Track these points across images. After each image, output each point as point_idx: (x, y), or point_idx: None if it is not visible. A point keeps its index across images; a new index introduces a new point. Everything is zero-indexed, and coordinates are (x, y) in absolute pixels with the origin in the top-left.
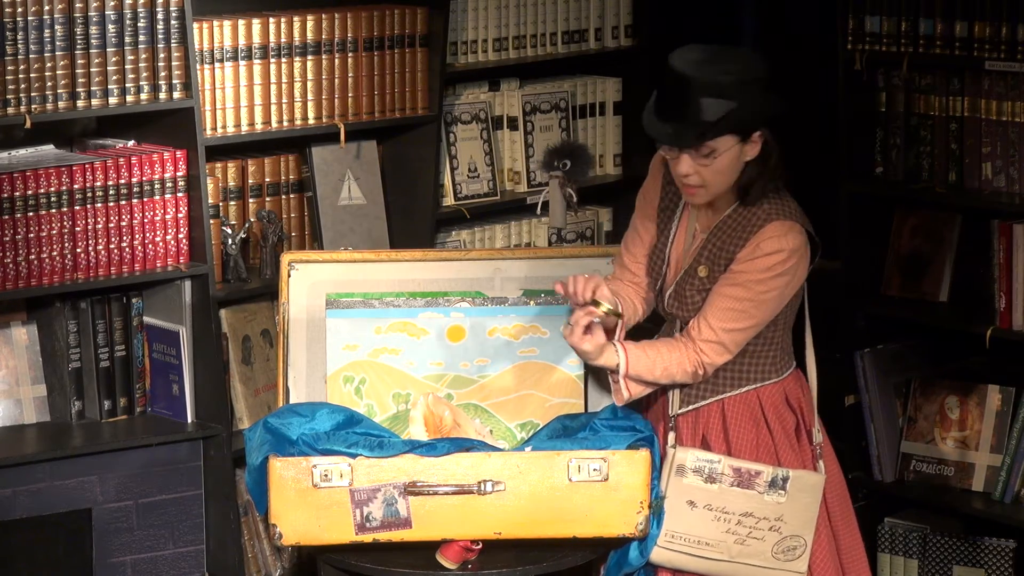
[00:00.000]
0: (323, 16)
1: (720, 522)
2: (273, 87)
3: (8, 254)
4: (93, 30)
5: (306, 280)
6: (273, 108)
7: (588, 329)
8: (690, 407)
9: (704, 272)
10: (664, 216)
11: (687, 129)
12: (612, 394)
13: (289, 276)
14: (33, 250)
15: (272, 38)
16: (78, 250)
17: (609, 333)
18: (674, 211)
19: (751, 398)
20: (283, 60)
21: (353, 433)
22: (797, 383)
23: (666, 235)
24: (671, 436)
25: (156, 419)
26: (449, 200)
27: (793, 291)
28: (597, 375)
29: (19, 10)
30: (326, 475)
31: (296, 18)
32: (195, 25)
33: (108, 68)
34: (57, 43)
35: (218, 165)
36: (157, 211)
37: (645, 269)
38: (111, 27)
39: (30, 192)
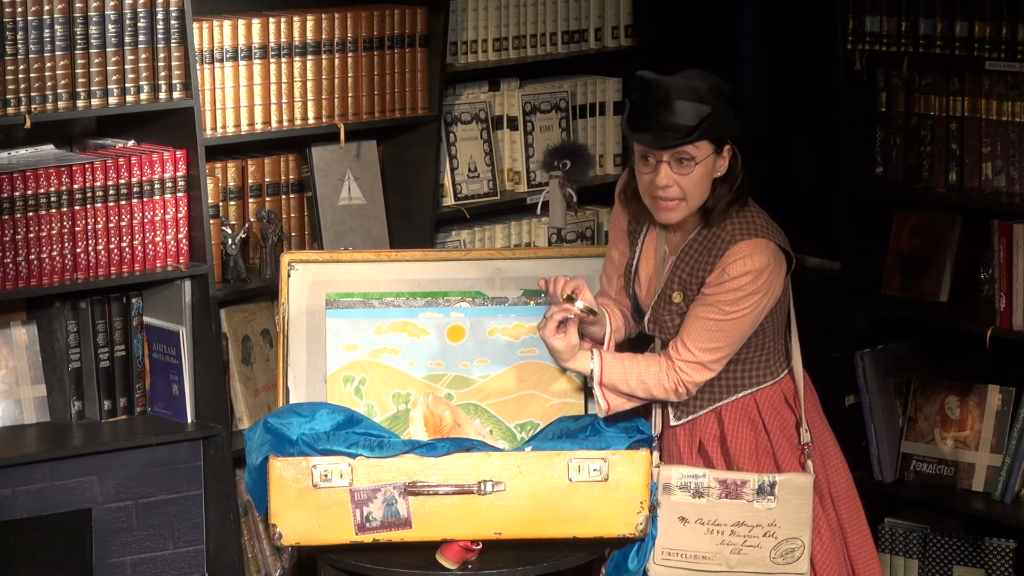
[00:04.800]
0: (323, 16)
1: (714, 535)
2: (273, 87)
3: (8, 254)
4: (93, 30)
5: (306, 280)
6: (273, 108)
7: (563, 328)
8: (688, 417)
9: (678, 298)
10: (632, 238)
11: (667, 131)
12: (593, 405)
13: (289, 276)
14: (33, 250)
15: (272, 38)
16: (78, 250)
17: (598, 345)
18: (639, 233)
19: (748, 403)
20: (283, 60)
21: (353, 433)
22: (795, 383)
23: (633, 255)
24: (655, 455)
25: (156, 419)
26: (449, 200)
27: (771, 304)
28: None
29: (19, 10)
30: (326, 475)
31: (296, 18)
32: (195, 25)
33: (108, 68)
34: (57, 43)
35: (218, 165)
36: (157, 211)
37: (623, 291)
38: (111, 27)
39: (30, 192)
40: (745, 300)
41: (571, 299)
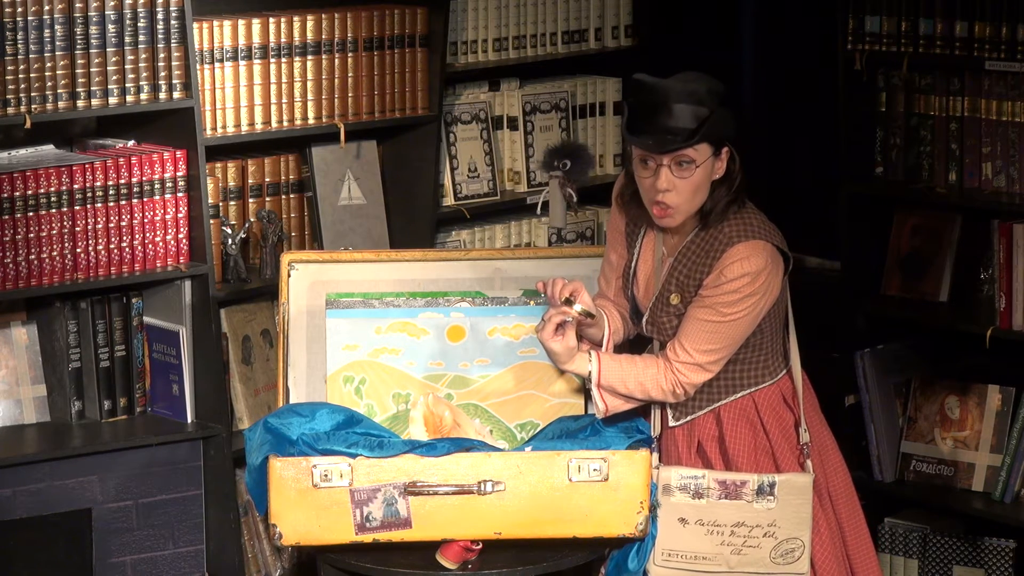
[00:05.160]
0: (323, 16)
1: (714, 536)
2: (273, 87)
3: (8, 254)
4: (93, 30)
5: (306, 280)
6: (273, 108)
7: (561, 330)
8: (687, 418)
9: (676, 299)
10: (630, 240)
11: (667, 135)
12: (592, 406)
13: (289, 276)
14: (33, 250)
15: (272, 38)
16: (78, 250)
17: (596, 347)
18: (637, 235)
19: (746, 403)
20: (283, 60)
21: (353, 433)
22: (793, 382)
23: (631, 257)
24: (654, 457)
25: (156, 419)
26: (449, 200)
27: (768, 306)
28: None
29: (19, 10)
30: (326, 475)
31: (296, 18)
32: (195, 25)
33: (108, 68)
34: (57, 43)
35: (218, 165)
36: (157, 211)
37: (621, 292)
38: (111, 27)
39: (30, 192)
40: (743, 302)
41: (569, 302)
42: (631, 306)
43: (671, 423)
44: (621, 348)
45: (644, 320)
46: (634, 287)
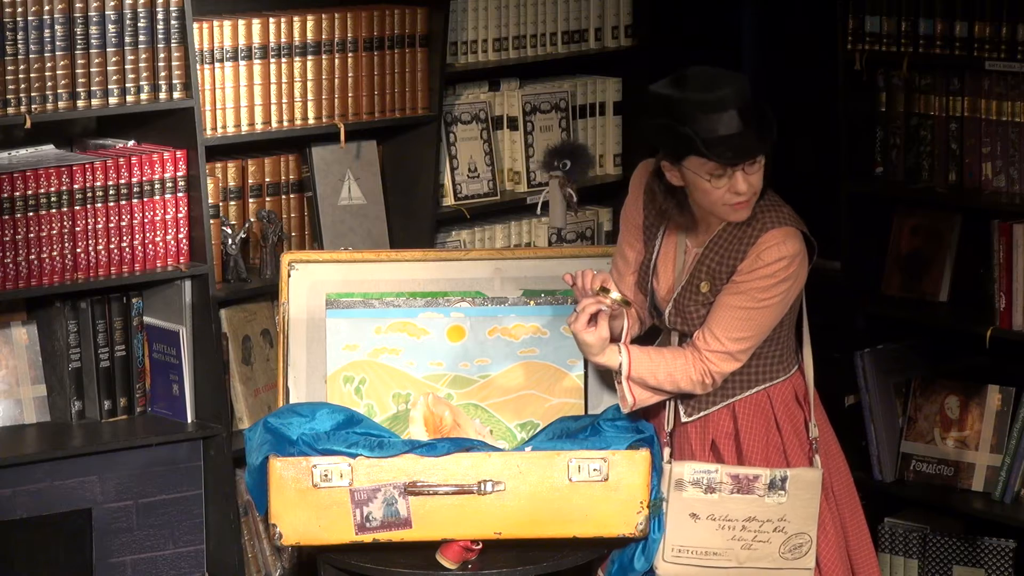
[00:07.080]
0: (323, 16)
1: (725, 530)
2: (273, 87)
3: (8, 254)
4: (93, 30)
5: (306, 280)
6: (273, 108)
7: (594, 321)
8: (701, 413)
9: (706, 287)
10: (648, 234)
11: (743, 142)
12: (618, 400)
13: (289, 276)
14: (33, 250)
15: (272, 38)
16: (78, 250)
17: (615, 340)
18: (658, 228)
19: (761, 398)
20: (283, 60)
21: (353, 433)
22: (803, 379)
23: (651, 251)
24: (666, 452)
25: (156, 419)
26: (449, 200)
27: (796, 294)
28: (600, 377)
29: (19, 10)
30: (326, 475)
31: (296, 18)
32: (195, 25)
33: (108, 68)
34: (57, 43)
35: (218, 165)
36: (157, 211)
37: (636, 287)
38: (111, 27)
39: (30, 192)
40: (777, 287)
41: (604, 291)
42: (648, 300)
43: (683, 419)
44: (635, 343)
45: (667, 311)
46: (653, 281)
